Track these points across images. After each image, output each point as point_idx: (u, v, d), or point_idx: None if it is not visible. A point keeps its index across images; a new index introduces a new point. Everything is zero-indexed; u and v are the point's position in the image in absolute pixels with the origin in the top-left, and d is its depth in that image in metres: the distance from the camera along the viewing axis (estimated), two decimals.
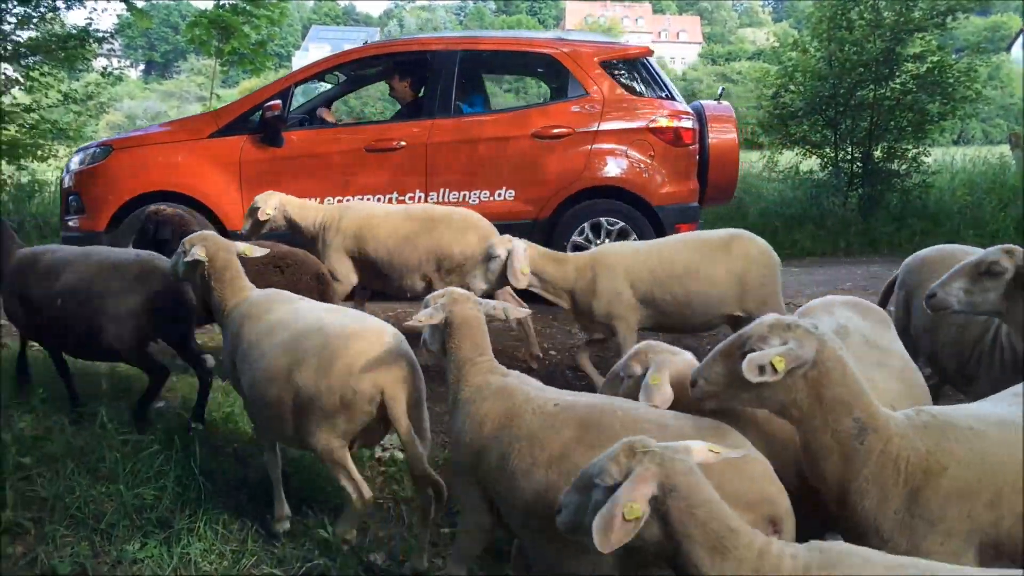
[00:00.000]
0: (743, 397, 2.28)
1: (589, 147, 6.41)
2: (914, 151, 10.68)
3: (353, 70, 7.39)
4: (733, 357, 2.25)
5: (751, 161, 12.71)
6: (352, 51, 7.46)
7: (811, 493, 2.32)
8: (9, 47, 10.78)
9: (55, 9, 11.01)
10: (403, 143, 6.39)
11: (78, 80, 13.27)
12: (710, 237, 4.67)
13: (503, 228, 5.78)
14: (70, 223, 6.49)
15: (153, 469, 3.53)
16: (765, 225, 9.57)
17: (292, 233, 5.38)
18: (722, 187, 6.93)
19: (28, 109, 11.08)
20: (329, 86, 7.87)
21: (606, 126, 6.46)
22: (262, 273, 4.22)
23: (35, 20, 10.87)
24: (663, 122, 6.53)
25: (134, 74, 57.40)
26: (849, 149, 10.90)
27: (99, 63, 13.52)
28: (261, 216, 5.23)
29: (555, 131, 6.43)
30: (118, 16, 12.03)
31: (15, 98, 11.36)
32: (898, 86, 10.60)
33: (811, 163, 11.39)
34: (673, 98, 6.83)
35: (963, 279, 3.12)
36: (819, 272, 8.40)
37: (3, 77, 11.16)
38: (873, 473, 2.18)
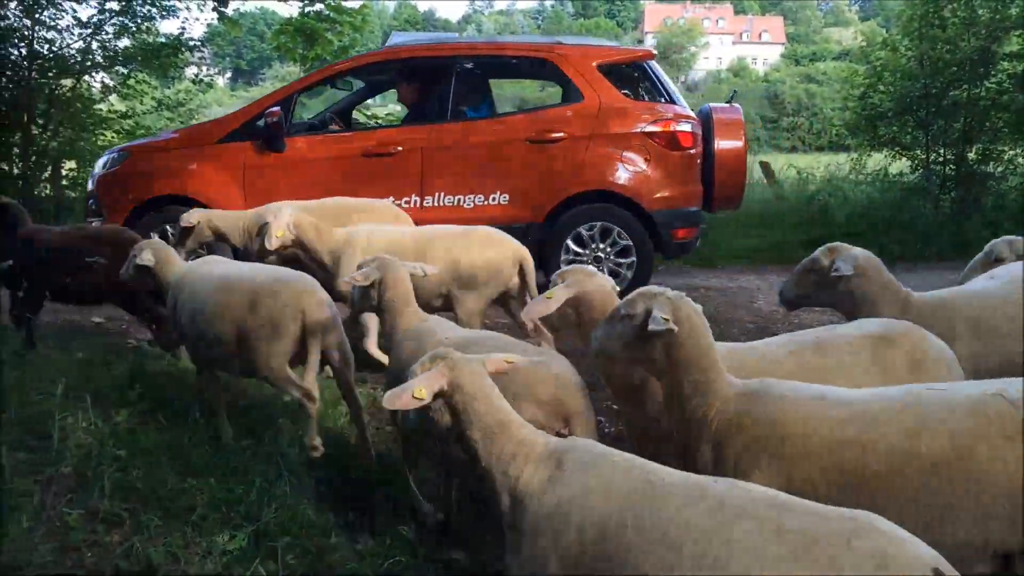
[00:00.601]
0: (622, 357, 2.66)
1: (583, 152, 6.39)
2: (1011, 153, 10.26)
3: (359, 77, 7.55)
4: (614, 320, 2.65)
5: (837, 163, 12.39)
6: (357, 58, 7.73)
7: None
8: (108, 56, 11.25)
9: (151, 19, 11.44)
10: (399, 148, 6.48)
11: (170, 87, 13.77)
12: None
13: None
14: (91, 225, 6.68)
15: (242, 463, 3.63)
16: (851, 229, 9.32)
17: (302, 254, 4.92)
18: (728, 192, 6.85)
19: (124, 116, 11.56)
20: (345, 92, 8.00)
21: (600, 131, 6.43)
22: None
23: (132, 30, 11.31)
24: (659, 126, 6.45)
25: (221, 81, 59.28)
26: (941, 151, 10.54)
27: (190, 71, 14.02)
28: (272, 244, 4.68)
29: (549, 136, 6.44)
30: (208, 25, 12.41)
31: (112, 105, 11.84)
32: (994, 86, 10.21)
33: (901, 165, 11.04)
34: (674, 102, 6.73)
35: (793, 276, 3.72)
36: (910, 278, 8.08)
37: (101, 85, 11.66)
38: (696, 432, 2.48)
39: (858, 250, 3.59)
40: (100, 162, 6.99)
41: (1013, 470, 2.07)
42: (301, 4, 12.72)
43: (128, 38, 11.31)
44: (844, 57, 42.87)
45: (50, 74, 10.78)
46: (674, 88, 7.04)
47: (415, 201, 6.47)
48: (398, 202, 6.37)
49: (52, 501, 3.36)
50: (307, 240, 4.78)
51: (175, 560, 3.08)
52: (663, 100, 6.75)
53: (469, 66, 6.85)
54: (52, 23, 10.72)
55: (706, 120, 6.84)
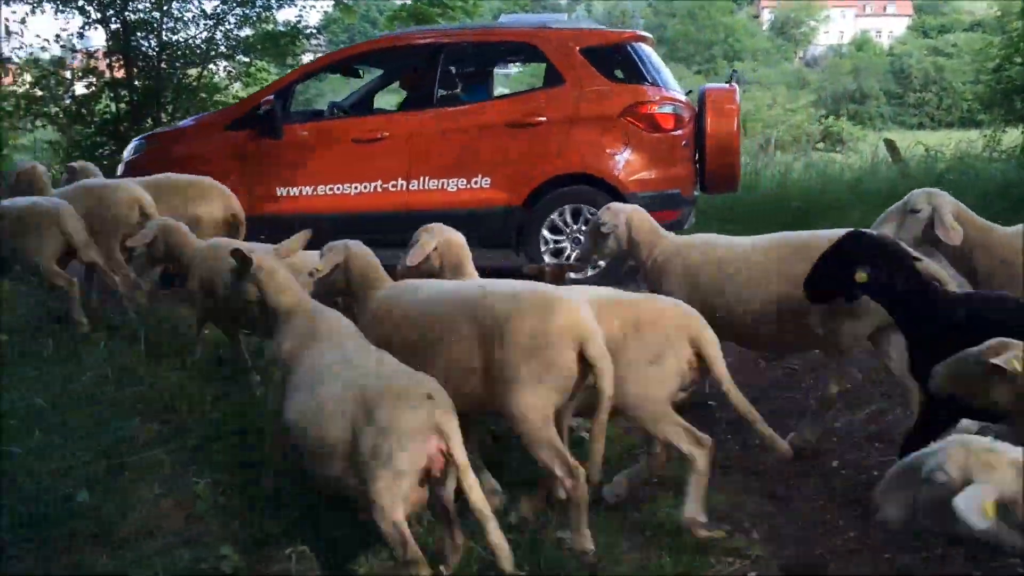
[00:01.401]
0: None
1: (561, 135, 6.44)
2: None
3: (354, 65, 7.79)
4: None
5: (969, 140, 11.72)
6: (350, 48, 8.00)
7: None
8: (230, 45, 11.69)
9: (269, 8, 11.81)
10: (386, 135, 6.65)
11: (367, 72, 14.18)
12: None
13: (480, 215, 6.36)
14: None
15: None
16: (986, 208, 8.79)
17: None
18: (720, 174, 6.75)
19: None
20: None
21: (579, 114, 6.46)
22: None
23: (252, 20, 11.72)
24: (638, 108, 6.41)
25: None
26: None
27: (307, 57, 14.42)
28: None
29: (528, 120, 6.49)
30: (324, 12, 12.72)
31: (236, 92, 12.31)
32: None
33: None
34: (660, 84, 6.62)
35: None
36: None
37: (226, 73, 12.14)
38: None
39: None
40: (128, 148, 7.40)
41: None
42: None
43: (248, 28, 11.72)
44: (976, 28, 40.49)
45: (178, 64, 11.29)
46: (664, 70, 6.99)
47: (401, 185, 6.60)
48: (386, 186, 6.58)
49: (180, 471, 3.54)
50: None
51: (291, 534, 3.18)
52: (648, 82, 6.64)
53: (455, 52, 7.02)
54: (179, 15, 11.24)
55: (701, 102, 6.75)
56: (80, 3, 10.46)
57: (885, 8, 77.57)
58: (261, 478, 3.34)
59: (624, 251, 4.28)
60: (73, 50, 11.05)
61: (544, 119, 6.50)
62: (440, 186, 6.57)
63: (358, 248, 3.44)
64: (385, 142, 6.66)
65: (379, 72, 8.19)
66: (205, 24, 11.33)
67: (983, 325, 2.59)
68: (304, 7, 11.81)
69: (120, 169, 7.34)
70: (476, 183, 6.54)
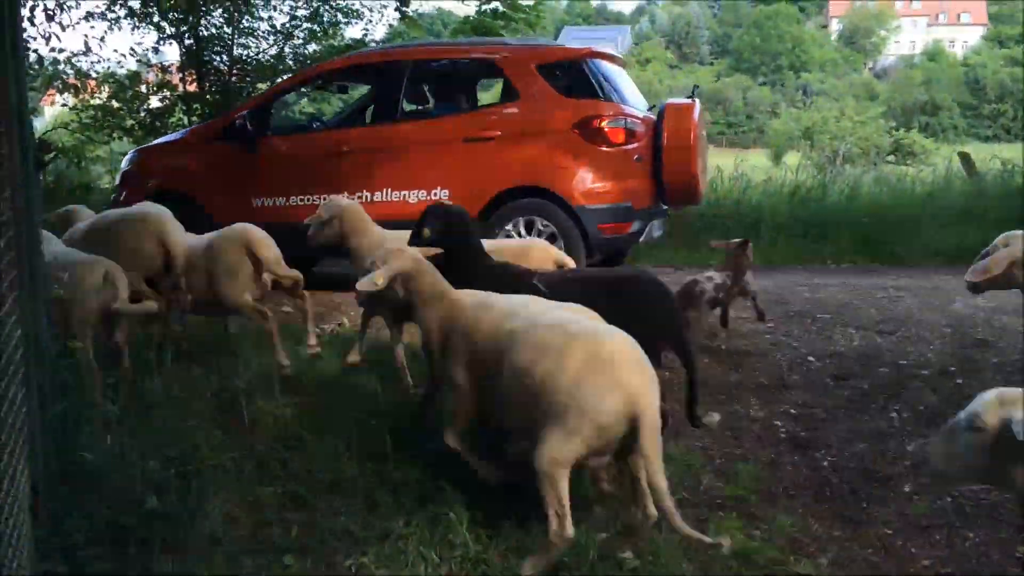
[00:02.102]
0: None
1: (514, 149, 6.66)
2: None
3: (325, 82, 8.21)
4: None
5: None
6: (321, 65, 8.51)
7: None
8: (299, 60, 11.91)
9: (336, 24, 12.00)
10: (351, 147, 7.01)
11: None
12: None
13: None
14: None
15: (418, 449, 3.72)
16: None
17: None
18: (677, 188, 6.85)
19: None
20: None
21: (531, 128, 6.67)
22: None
23: (319, 35, 11.93)
24: (588, 123, 6.54)
25: None
26: None
27: None
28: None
29: (483, 134, 6.74)
30: (389, 27, 12.87)
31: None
32: None
33: None
34: (612, 99, 6.73)
35: None
36: None
37: None
38: None
39: None
40: (125, 159, 7.87)
41: None
42: (478, 3, 12.97)
43: (316, 43, 11.93)
44: None
45: (248, 78, 11.55)
46: (625, 86, 7.13)
47: (366, 196, 6.83)
48: (351, 197, 6.69)
49: (246, 478, 3.59)
50: None
51: (355, 542, 3.20)
52: (600, 98, 6.75)
53: (420, 69, 7.36)
54: (250, 31, 11.50)
55: (659, 117, 6.84)
56: (155, 20, 10.80)
57: (959, 17, 75.58)
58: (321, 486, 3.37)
59: (338, 239, 4.88)
60: (148, 65, 11.39)
61: (499, 133, 6.74)
62: (401, 197, 6.86)
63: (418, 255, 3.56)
64: (351, 155, 7.01)
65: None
66: (274, 39, 11.58)
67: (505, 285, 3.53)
68: (370, 21, 11.97)
69: (118, 179, 7.83)
70: (435, 195, 6.77)
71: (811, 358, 5.14)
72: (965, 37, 70.66)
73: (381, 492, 3.46)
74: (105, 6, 10.35)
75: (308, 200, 6.94)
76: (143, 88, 11.17)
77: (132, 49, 11.34)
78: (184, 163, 7.25)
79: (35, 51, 7.19)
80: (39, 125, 10.08)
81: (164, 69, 11.41)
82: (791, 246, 9.29)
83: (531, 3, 13.43)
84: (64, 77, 8.90)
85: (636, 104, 7.06)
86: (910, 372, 4.85)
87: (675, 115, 6.81)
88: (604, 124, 6.57)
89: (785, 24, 78.50)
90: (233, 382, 4.37)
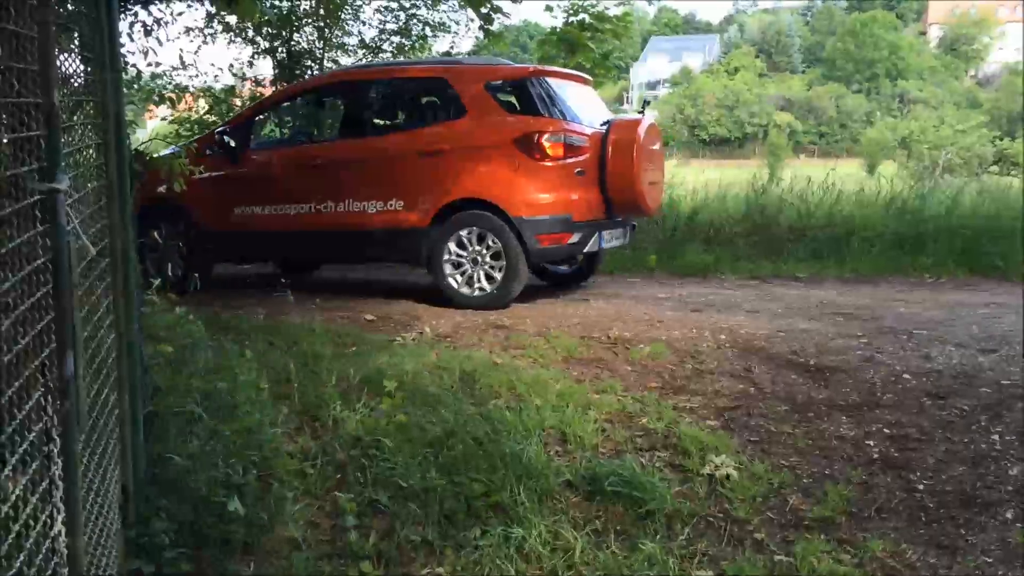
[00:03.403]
0: None
1: (460, 163, 6.97)
2: None
3: (303, 99, 8.79)
4: None
5: None
6: (291, 87, 9.34)
7: None
8: None
9: (424, 37, 12.16)
10: (319, 161, 7.44)
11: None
12: None
13: (395, 234, 7.08)
14: None
15: (492, 460, 3.70)
16: None
17: None
18: (621, 201, 7.08)
19: None
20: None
21: (476, 143, 6.97)
22: None
23: (407, 49, 12.10)
24: (528, 138, 6.76)
25: None
26: None
27: None
28: None
29: (433, 149, 7.05)
30: (476, 39, 12.97)
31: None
32: None
33: None
34: (554, 116, 6.95)
35: None
36: None
37: None
38: None
39: None
40: None
41: None
42: (566, 14, 12.97)
43: (404, 56, 12.11)
44: None
45: None
46: (575, 101, 7.39)
47: (330, 206, 7.33)
48: (319, 207, 7.34)
49: (325, 484, 3.64)
50: None
51: (431, 552, 3.21)
52: (543, 114, 6.95)
53: (377, 88, 7.89)
54: (341, 45, 11.74)
55: (605, 132, 7.07)
56: (250, 34, 11.12)
57: None
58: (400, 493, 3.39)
59: None
60: (243, 79, 11.72)
61: (447, 148, 7.03)
62: (362, 208, 7.24)
63: None
64: (320, 168, 7.41)
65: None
66: (364, 53, 11.79)
67: None
68: (457, 34, 12.07)
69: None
70: (392, 205, 7.17)
71: (906, 375, 4.92)
72: None
73: (459, 502, 3.46)
74: (204, 21, 10.73)
75: (282, 210, 7.52)
76: (238, 102, 11.49)
77: (229, 64, 11.70)
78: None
79: (133, 65, 7.48)
80: (141, 138, 10.52)
81: (258, 83, 11.73)
82: (885, 258, 8.96)
83: (618, 14, 13.35)
84: (162, 92, 9.20)
85: (589, 120, 7.30)
86: (1013, 392, 4.58)
87: (620, 130, 7.11)
88: (543, 139, 6.80)
89: (882, 31, 76.32)
90: (316, 389, 4.44)
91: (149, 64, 8.44)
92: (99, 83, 2.89)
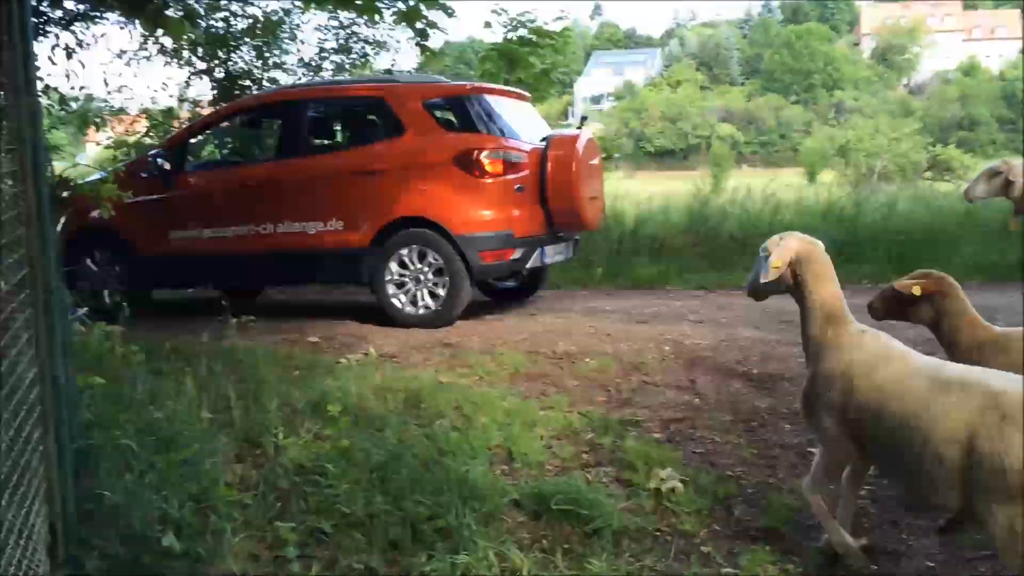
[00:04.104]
0: None
1: (399, 181, 6.92)
2: None
3: (238, 119, 8.61)
4: None
5: None
6: (230, 105, 9.23)
7: None
8: None
9: (365, 55, 12.10)
10: (255, 182, 7.37)
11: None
12: None
13: (336, 255, 6.98)
14: None
15: (439, 483, 3.64)
16: None
17: None
18: (562, 214, 7.08)
19: None
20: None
21: (414, 161, 6.93)
22: None
23: (348, 67, 12.03)
24: (465, 155, 6.75)
25: None
26: None
27: None
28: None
29: (370, 168, 7.00)
30: (417, 57, 12.95)
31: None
32: None
33: None
34: (493, 132, 7.00)
35: None
36: None
37: None
38: None
39: None
40: None
41: None
42: (504, 29, 13.03)
43: (345, 74, 12.03)
44: None
45: None
46: (514, 117, 7.42)
47: (270, 228, 7.25)
48: (257, 229, 7.26)
49: (267, 514, 3.54)
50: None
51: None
52: (481, 131, 6.99)
53: (315, 107, 7.76)
54: (279, 64, 11.63)
55: (544, 148, 7.11)
56: (186, 55, 10.95)
57: (994, 31, 74.67)
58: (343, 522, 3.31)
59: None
60: (181, 100, 11.53)
61: (386, 167, 6.97)
62: (302, 228, 7.15)
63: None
64: (258, 188, 7.33)
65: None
66: (303, 72, 11.69)
67: None
68: (398, 52, 12.02)
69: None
70: (331, 226, 7.10)
71: None
72: (1001, 51, 69.66)
73: (404, 528, 3.39)
74: (138, 43, 10.54)
75: (218, 233, 7.39)
76: (176, 123, 11.29)
77: (163, 84, 11.51)
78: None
79: (55, 89, 7.27)
80: (83, 161, 10.25)
81: (196, 104, 11.55)
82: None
83: (558, 30, 13.44)
84: (99, 115, 9.00)
85: (528, 136, 7.33)
86: None
87: (559, 145, 7.11)
88: (482, 156, 6.79)
89: (816, 43, 78.16)
90: (257, 414, 4.33)
91: (72, 87, 8.23)
92: (13, 108, 2.79)
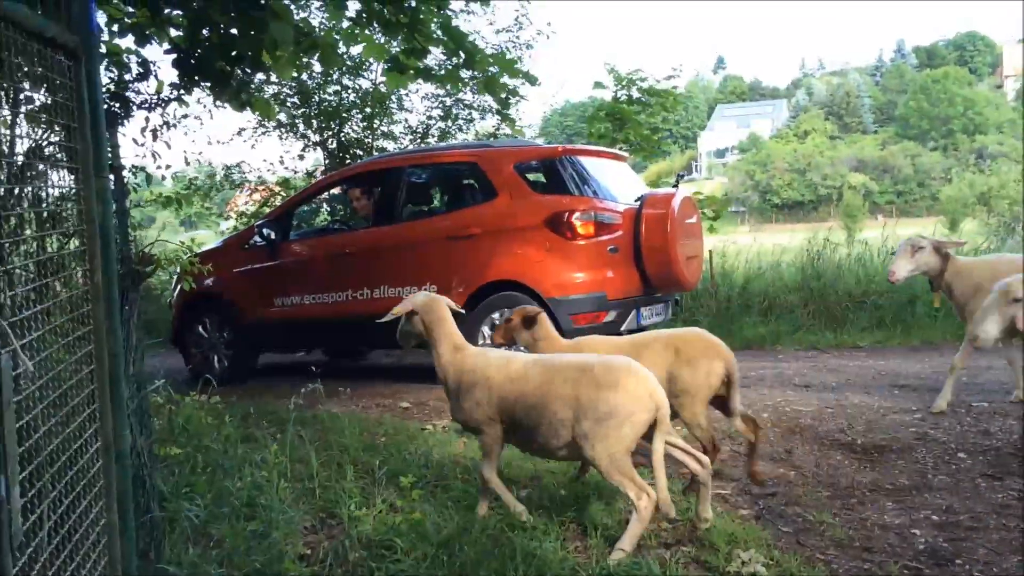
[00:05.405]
0: None
1: (492, 245, 6.98)
2: None
3: (340, 188, 9.02)
4: None
5: None
6: (328, 176, 9.46)
7: None
8: None
9: (471, 120, 12.38)
10: (353, 249, 7.61)
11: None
12: None
13: None
14: None
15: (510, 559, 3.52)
16: None
17: None
18: (658, 275, 6.98)
19: None
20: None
21: (507, 225, 6.97)
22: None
23: (453, 133, 12.32)
24: (557, 218, 6.74)
25: None
26: None
27: None
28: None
29: (464, 233, 7.09)
30: (519, 118, 13.12)
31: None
32: None
33: None
34: (585, 194, 6.92)
35: None
36: None
37: None
38: None
39: None
40: None
41: None
42: (615, 89, 13.07)
43: (451, 139, 12.33)
44: None
45: None
46: (606, 177, 7.36)
47: (366, 293, 7.43)
48: (355, 294, 7.47)
49: None
50: None
51: None
52: (574, 192, 6.93)
53: (411, 174, 7.91)
54: (388, 133, 12.03)
55: (638, 208, 7.00)
56: (300, 129, 11.50)
57: None
58: None
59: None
60: (295, 171, 12.09)
61: (479, 231, 7.05)
62: (397, 293, 7.22)
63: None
64: (353, 256, 7.56)
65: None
66: (410, 139, 12.05)
67: None
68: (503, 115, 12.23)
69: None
70: (425, 289, 7.02)
71: (961, 454, 4.56)
72: None
73: None
74: (257, 120, 11.14)
75: (319, 299, 7.65)
76: (292, 192, 11.82)
77: (280, 157, 12.13)
78: (226, 268, 7.97)
79: (142, 168, 7.74)
80: (200, 236, 10.89)
81: (310, 174, 12.08)
82: (953, 323, 8.51)
83: (667, 88, 13.39)
84: (172, 194, 9.46)
85: (623, 196, 7.24)
86: None
87: (653, 204, 6.98)
88: (574, 218, 6.76)
89: (955, 87, 74.91)
90: (332, 482, 4.33)
91: (158, 167, 8.84)
92: (84, 190, 2.93)
